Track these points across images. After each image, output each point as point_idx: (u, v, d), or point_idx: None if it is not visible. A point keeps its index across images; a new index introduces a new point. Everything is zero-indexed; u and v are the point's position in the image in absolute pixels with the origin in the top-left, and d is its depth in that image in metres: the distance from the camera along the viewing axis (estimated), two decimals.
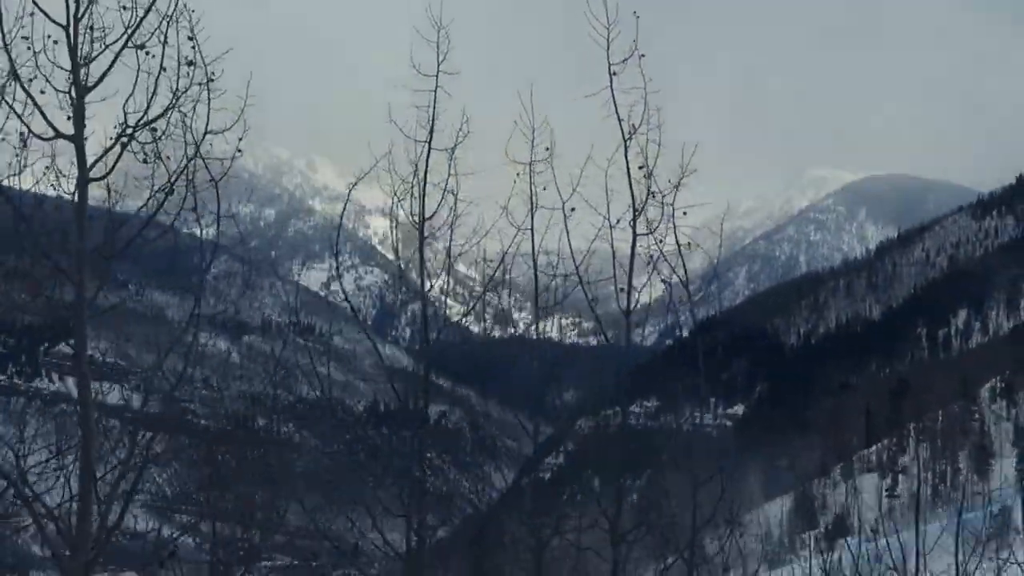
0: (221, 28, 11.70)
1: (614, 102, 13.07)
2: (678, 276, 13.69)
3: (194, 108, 11.25)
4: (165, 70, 10.97)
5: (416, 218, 13.90)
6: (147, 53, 10.89)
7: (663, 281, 13.83)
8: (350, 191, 14.60)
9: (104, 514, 11.10)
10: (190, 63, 11.07)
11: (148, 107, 11.01)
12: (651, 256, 13.46)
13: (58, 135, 10.87)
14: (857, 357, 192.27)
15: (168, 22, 10.89)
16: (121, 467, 11.35)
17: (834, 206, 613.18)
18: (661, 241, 13.38)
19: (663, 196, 13.23)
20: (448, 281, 14.47)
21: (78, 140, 10.86)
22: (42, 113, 10.84)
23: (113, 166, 11.11)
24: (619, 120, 13.10)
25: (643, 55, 12.73)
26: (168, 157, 11.34)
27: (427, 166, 13.74)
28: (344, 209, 12.88)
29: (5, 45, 10.71)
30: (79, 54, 10.79)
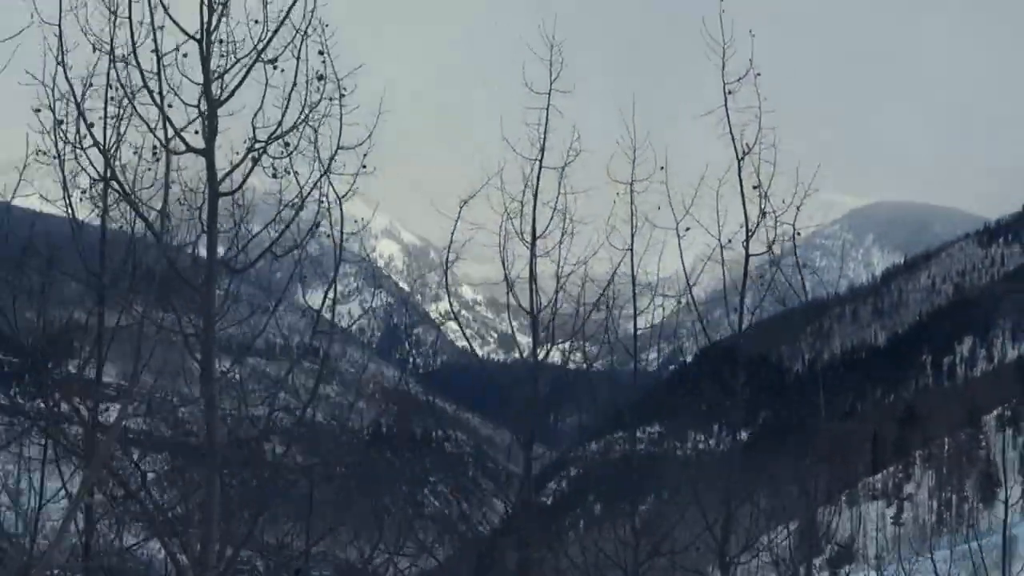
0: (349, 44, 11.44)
1: (728, 121, 12.86)
2: (796, 293, 13.56)
3: (320, 122, 11.11)
4: (296, 85, 10.80)
5: (527, 236, 13.78)
6: (275, 67, 10.74)
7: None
8: (460, 211, 13.95)
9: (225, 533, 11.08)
10: (320, 77, 10.91)
11: (281, 121, 10.82)
12: (759, 273, 13.32)
13: (189, 149, 10.76)
14: (862, 384, 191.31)
15: (302, 37, 10.73)
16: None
17: (840, 232, 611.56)
18: (777, 260, 13.23)
19: (777, 215, 13.05)
20: (555, 301, 14.18)
21: (209, 154, 10.71)
22: (173, 127, 10.74)
23: (244, 181, 10.99)
24: (733, 139, 12.88)
25: (759, 74, 12.57)
26: (297, 172, 11.24)
27: (538, 184, 13.66)
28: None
29: (137, 60, 10.62)
30: (211, 67, 10.64)
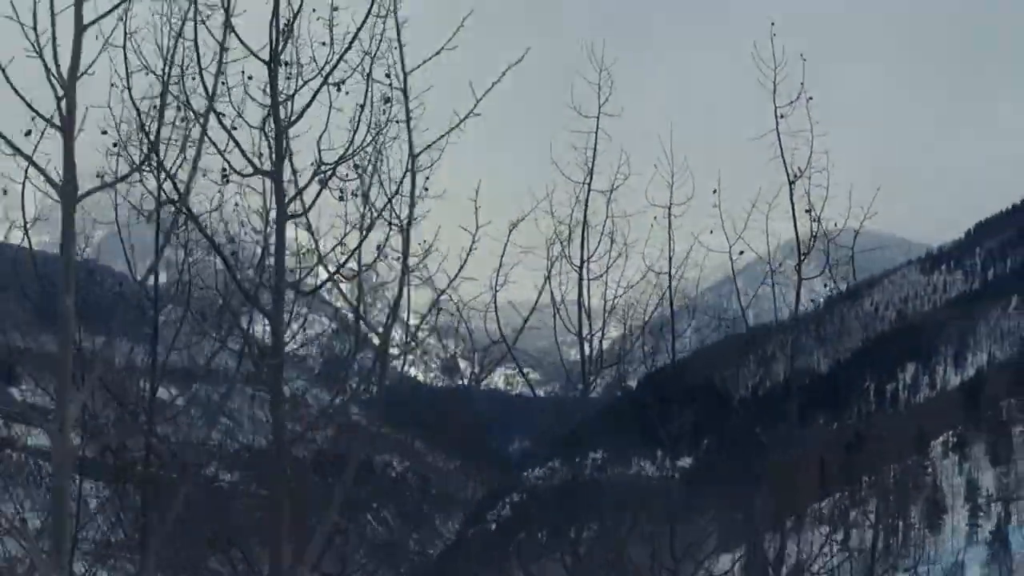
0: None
1: (779, 144, 12.95)
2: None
3: (387, 144, 11.07)
4: (363, 107, 10.77)
5: (577, 260, 13.83)
6: (339, 89, 10.70)
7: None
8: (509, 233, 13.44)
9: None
10: (387, 100, 10.85)
11: (351, 142, 10.77)
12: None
13: (257, 171, 10.71)
14: (805, 411, 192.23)
15: (372, 59, 10.71)
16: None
17: (783, 258, 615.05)
18: (834, 284, 13.28)
19: (829, 239, 13.06)
20: (604, 326, 14.30)
21: (277, 176, 10.66)
22: (241, 149, 10.66)
23: (312, 202, 10.89)
24: (784, 163, 12.98)
25: (811, 97, 12.62)
26: (367, 194, 11.17)
27: (586, 207, 13.64)
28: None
29: (204, 83, 10.55)
30: (278, 90, 10.60)
